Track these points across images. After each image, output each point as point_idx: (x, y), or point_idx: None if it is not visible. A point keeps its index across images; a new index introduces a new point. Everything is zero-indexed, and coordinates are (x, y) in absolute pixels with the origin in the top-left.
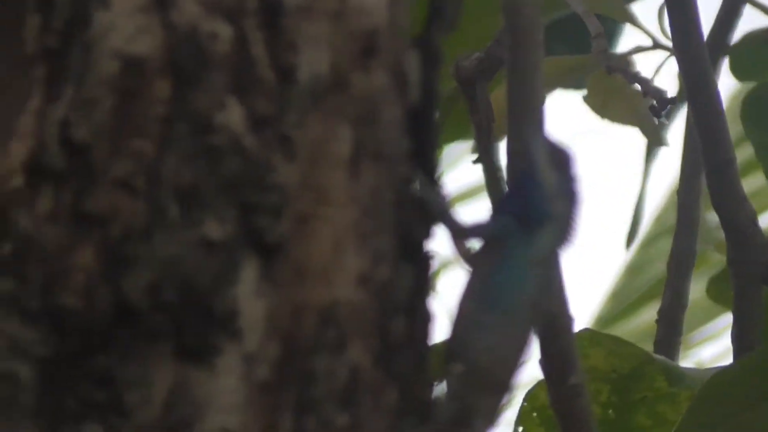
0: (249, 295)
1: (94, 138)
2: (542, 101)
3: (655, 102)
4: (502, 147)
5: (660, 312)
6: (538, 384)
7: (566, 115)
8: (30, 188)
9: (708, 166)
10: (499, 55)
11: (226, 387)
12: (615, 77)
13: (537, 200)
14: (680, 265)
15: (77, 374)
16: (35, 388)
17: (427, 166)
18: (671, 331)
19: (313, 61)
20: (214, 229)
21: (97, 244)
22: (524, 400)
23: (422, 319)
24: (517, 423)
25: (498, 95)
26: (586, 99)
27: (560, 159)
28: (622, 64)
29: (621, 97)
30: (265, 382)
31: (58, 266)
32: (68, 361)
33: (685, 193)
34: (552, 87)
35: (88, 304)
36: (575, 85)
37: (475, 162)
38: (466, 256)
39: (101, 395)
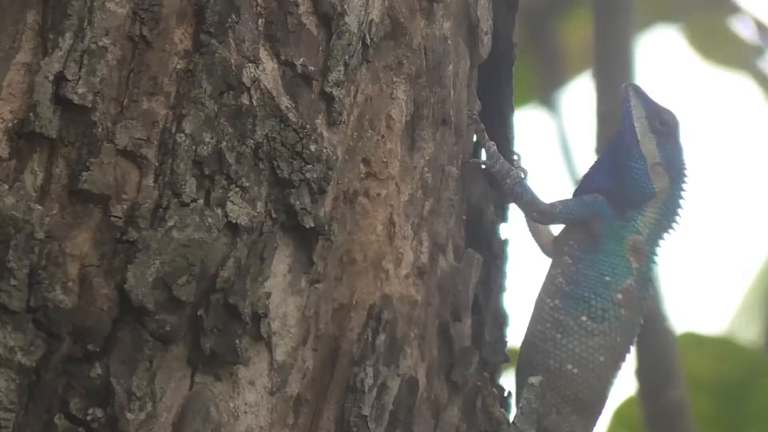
0: (282, 291)
1: (96, 98)
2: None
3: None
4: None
5: None
6: (629, 398)
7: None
8: (16, 159)
9: None
10: None
11: (250, 403)
12: (718, 16)
13: (636, 174)
14: None
15: (69, 386)
16: (17, 403)
17: (502, 132)
18: None
19: (363, 5)
20: (241, 209)
21: (97, 228)
22: (612, 417)
23: (494, 320)
24: None
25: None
26: (690, 40)
27: (664, 123)
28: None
29: (726, 38)
30: (299, 397)
31: (48, 255)
32: (58, 370)
33: None
34: (644, 25)
35: (84, 301)
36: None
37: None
38: (548, 243)
39: (98, 412)
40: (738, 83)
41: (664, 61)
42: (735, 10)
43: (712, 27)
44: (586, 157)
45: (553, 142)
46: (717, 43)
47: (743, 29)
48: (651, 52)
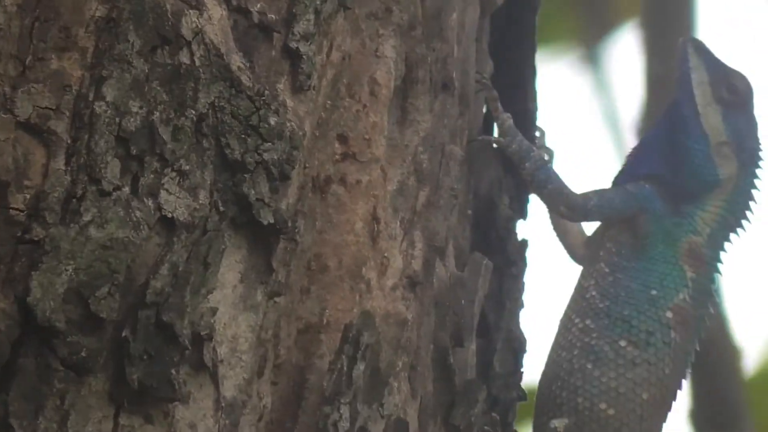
0: (231, 306)
1: None
2: None
3: None
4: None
5: None
6: None
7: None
8: None
9: None
10: None
11: None
12: None
13: (695, 157)
14: None
15: None
16: None
17: (521, 101)
18: None
19: None
20: (179, 200)
21: None
22: None
23: (507, 345)
24: None
25: None
26: None
27: (733, 91)
28: None
29: None
30: None
31: None
32: None
33: None
34: None
35: None
36: None
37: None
38: (578, 245)
39: None
40: None
41: (731, 10)
42: None
43: None
44: (632, 134)
45: (593, 113)
46: None
47: None
48: None
